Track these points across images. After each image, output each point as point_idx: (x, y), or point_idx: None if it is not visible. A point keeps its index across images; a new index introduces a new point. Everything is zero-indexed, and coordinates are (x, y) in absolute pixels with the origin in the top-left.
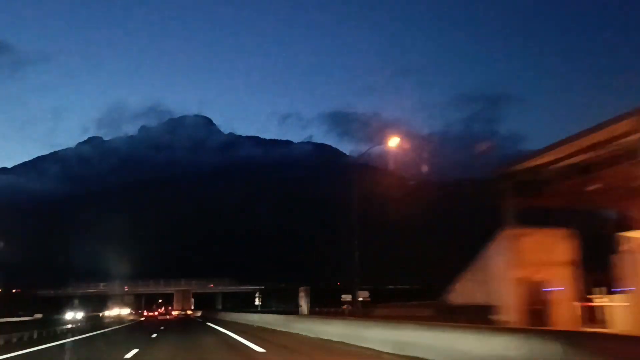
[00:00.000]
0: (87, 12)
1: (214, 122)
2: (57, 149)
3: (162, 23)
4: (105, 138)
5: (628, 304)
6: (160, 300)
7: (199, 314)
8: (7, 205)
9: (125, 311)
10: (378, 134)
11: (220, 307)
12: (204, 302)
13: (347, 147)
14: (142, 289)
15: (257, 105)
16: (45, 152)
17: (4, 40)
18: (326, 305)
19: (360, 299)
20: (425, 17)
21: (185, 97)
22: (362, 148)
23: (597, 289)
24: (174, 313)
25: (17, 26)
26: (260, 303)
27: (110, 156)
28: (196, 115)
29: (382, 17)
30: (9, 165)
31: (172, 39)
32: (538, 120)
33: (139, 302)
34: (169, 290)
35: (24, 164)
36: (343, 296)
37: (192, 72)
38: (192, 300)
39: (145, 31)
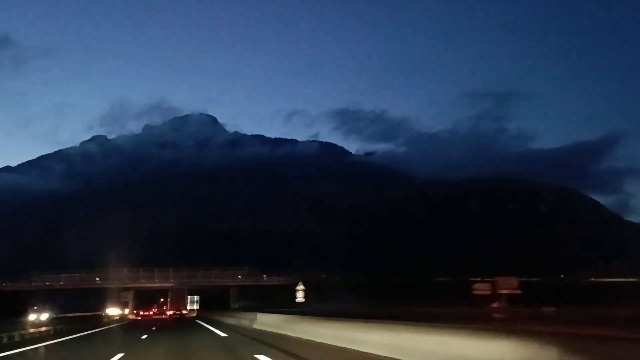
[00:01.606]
0: (91, 7)
1: (219, 120)
2: (61, 147)
3: (167, 20)
4: (110, 135)
5: None
6: (162, 300)
7: (194, 314)
8: (11, 203)
9: (115, 311)
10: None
11: (237, 305)
12: (216, 300)
13: (353, 145)
14: (131, 283)
15: (263, 103)
16: (49, 149)
17: (6, 35)
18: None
19: (503, 292)
20: (434, 13)
21: (190, 95)
22: (369, 146)
23: None
24: (169, 313)
25: (19, 21)
26: (303, 299)
27: (115, 154)
28: (201, 114)
29: (390, 13)
30: (13, 163)
31: (176, 36)
32: (549, 118)
33: (140, 300)
34: (168, 283)
35: (28, 162)
36: (476, 286)
37: (197, 69)
38: (196, 298)
39: (150, 28)
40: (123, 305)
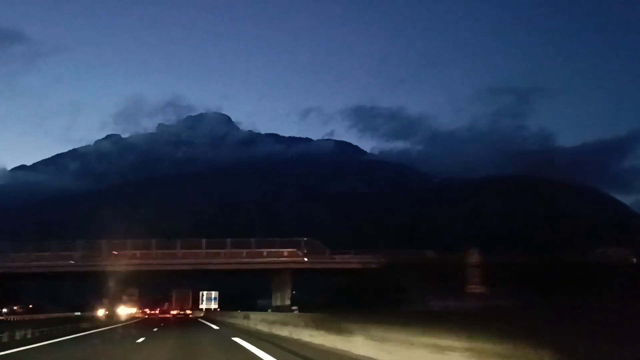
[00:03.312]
0: (105, 3)
1: (233, 119)
2: (75, 145)
3: (182, 17)
4: (124, 133)
5: None
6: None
7: (201, 314)
8: (25, 202)
9: (103, 311)
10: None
11: (286, 302)
12: (241, 295)
13: (369, 144)
14: (119, 266)
15: (278, 101)
16: (64, 147)
17: (19, 30)
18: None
19: None
20: (451, 8)
21: (204, 93)
22: (385, 144)
23: None
24: (173, 312)
25: (32, 16)
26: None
27: (129, 153)
28: (215, 112)
29: (406, 9)
30: (28, 162)
31: (191, 34)
32: (569, 115)
33: (147, 298)
34: (175, 266)
35: (44, 161)
36: None
37: (211, 67)
38: (213, 294)
39: (164, 26)
40: (122, 303)
